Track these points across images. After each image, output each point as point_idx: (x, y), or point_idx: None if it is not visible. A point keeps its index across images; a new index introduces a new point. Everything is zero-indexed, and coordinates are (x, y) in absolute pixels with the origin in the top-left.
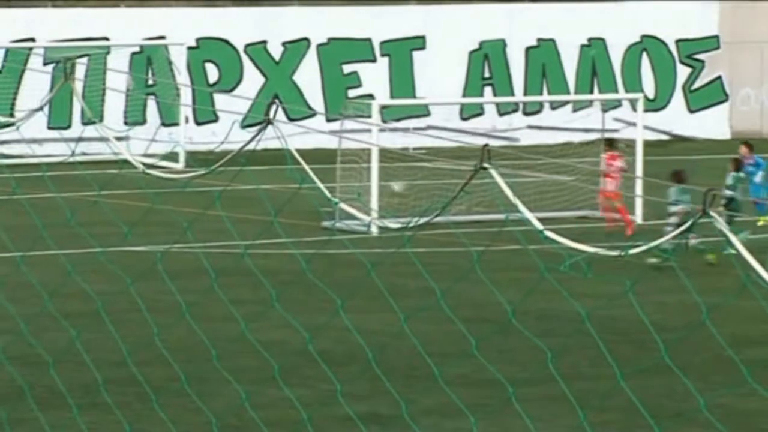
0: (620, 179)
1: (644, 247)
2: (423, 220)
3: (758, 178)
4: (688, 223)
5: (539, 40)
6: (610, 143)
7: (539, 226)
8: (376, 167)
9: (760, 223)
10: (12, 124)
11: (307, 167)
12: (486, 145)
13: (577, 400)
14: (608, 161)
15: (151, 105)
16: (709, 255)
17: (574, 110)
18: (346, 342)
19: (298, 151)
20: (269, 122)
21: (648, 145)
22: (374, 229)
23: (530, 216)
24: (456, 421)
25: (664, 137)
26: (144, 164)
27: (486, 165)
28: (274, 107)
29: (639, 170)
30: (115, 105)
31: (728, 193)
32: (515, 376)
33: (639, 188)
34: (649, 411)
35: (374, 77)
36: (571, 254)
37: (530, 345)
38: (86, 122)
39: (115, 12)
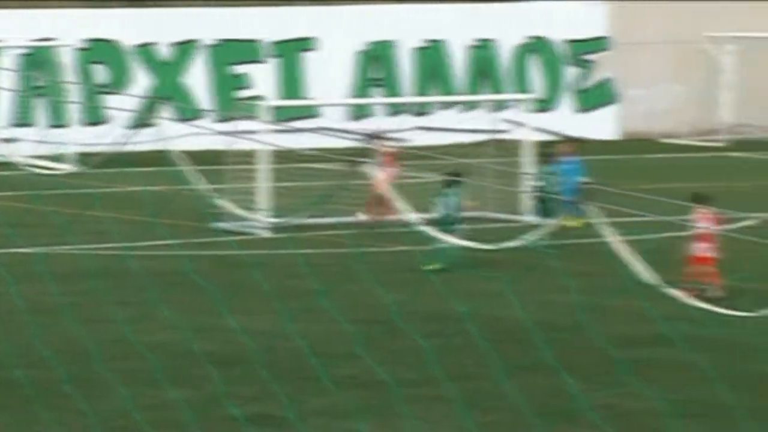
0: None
1: (517, 243)
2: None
3: (572, 178)
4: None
5: (428, 41)
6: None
7: (423, 225)
8: (265, 168)
9: (568, 225)
10: None
11: (189, 168)
12: (374, 138)
13: (464, 400)
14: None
15: (40, 106)
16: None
17: (464, 111)
18: (235, 343)
19: (188, 152)
20: (150, 123)
21: (538, 146)
22: (262, 230)
23: (413, 216)
24: (345, 422)
25: (554, 138)
26: (31, 166)
27: (363, 160)
28: (158, 108)
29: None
30: (2, 106)
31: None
32: (403, 377)
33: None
34: (535, 411)
35: (264, 78)
36: (444, 251)
37: (418, 345)
38: None
39: (2, 13)
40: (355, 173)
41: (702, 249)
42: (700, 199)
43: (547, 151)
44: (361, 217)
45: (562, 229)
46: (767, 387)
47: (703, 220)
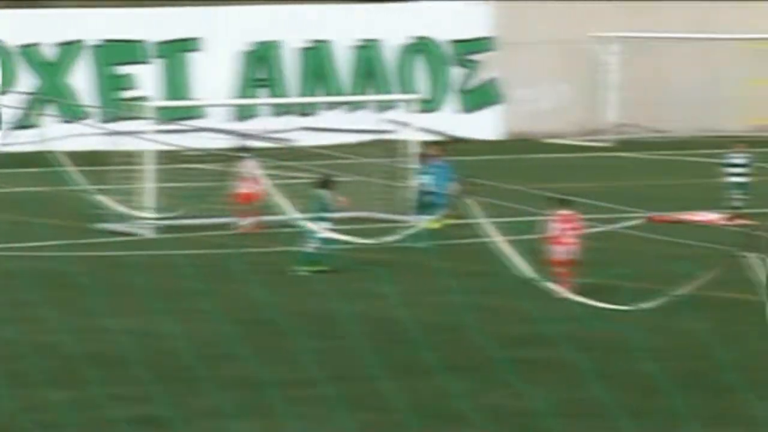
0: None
1: (395, 238)
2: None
3: (438, 179)
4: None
5: (313, 41)
6: None
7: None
8: (150, 168)
9: (435, 225)
10: None
11: (72, 169)
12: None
13: (352, 400)
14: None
15: None
16: None
17: (349, 111)
18: (117, 344)
19: (72, 153)
20: (33, 124)
21: (427, 146)
22: (147, 231)
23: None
24: (228, 422)
25: (439, 138)
26: None
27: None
28: (41, 108)
29: None
30: None
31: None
32: (286, 378)
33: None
34: (423, 412)
35: (148, 79)
36: (325, 252)
37: (308, 346)
38: None
39: None
40: (236, 173)
41: (559, 252)
42: (562, 201)
43: (422, 152)
44: (242, 219)
45: (430, 230)
46: (645, 385)
47: (562, 222)
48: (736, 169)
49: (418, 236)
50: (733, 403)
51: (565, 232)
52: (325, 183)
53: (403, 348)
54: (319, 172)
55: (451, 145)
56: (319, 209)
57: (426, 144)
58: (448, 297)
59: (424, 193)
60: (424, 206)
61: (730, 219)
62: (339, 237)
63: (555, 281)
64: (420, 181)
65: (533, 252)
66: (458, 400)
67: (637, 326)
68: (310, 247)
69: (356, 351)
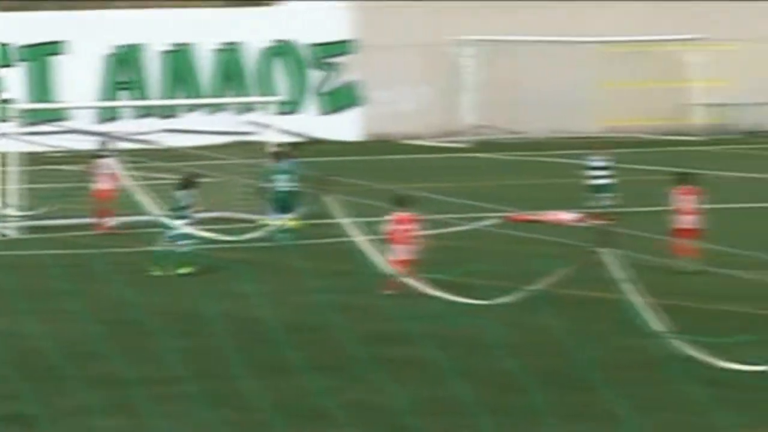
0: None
1: (256, 236)
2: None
3: (292, 179)
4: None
5: (175, 44)
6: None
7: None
8: (14, 170)
9: (292, 224)
10: None
11: None
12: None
13: (216, 398)
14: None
15: None
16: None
17: (210, 113)
18: None
19: None
20: None
21: (287, 147)
22: (12, 231)
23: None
24: (98, 419)
25: (298, 139)
26: None
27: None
28: None
29: None
30: None
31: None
32: (151, 376)
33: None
34: (286, 410)
35: (12, 82)
36: (187, 252)
37: (172, 345)
38: None
39: None
40: (95, 172)
41: (399, 251)
42: (400, 201)
43: (275, 152)
44: (103, 218)
45: (292, 229)
46: (504, 382)
47: (401, 222)
48: (597, 171)
49: (279, 235)
50: (589, 398)
51: (403, 232)
52: (187, 183)
53: (267, 347)
54: (181, 173)
55: (311, 146)
56: (180, 209)
57: (278, 144)
58: (311, 296)
59: (279, 192)
60: (281, 206)
61: (583, 219)
62: (204, 236)
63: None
64: (274, 181)
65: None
66: (321, 398)
67: (495, 323)
68: (178, 247)
69: (220, 350)
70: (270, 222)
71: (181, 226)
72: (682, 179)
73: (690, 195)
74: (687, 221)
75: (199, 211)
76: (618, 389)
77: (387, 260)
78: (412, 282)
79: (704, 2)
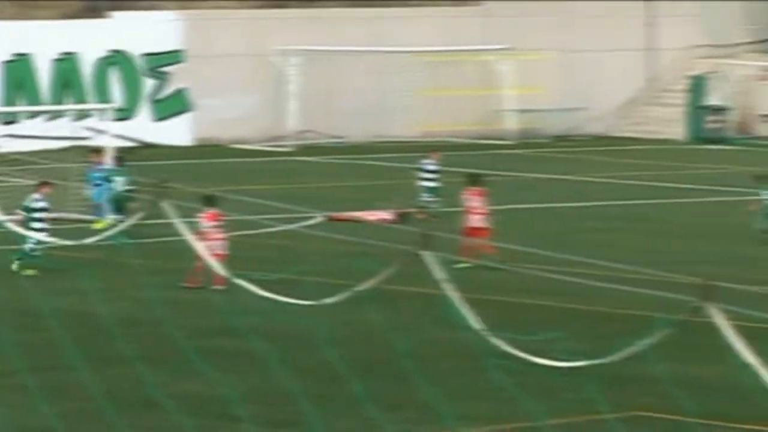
0: None
1: (94, 240)
2: None
3: (104, 183)
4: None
5: (15, 54)
6: None
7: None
8: None
9: (98, 226)
10: None
11: None
12: None
13: (53, 390)
14: None
15: None
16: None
17: (49, 120)
18: None
19: None
20: None
21: (121, 151)
22: None
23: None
24: None
25: (132, 144)
26: None
27: None
28: None
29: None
30: None
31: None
32: None
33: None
34: (120, 400)
35: None
36: (31, 252)
37: (10, 339)
38: None
39: None
40: None
41: (211, 247)
42: (208, 200)
43: (90, 158)
44: None
45: (95, 229)
46: (328, 373)
47: (208, 219)
48: (428, 174)
49: (116, 235)
50: (407, 388)
51: (211, 228)
52: (40, 185)
53: (102, 340)
54: (30, 177)
55: (144, 150)
56: (32, 211)
57: (114, 149)
58: (144, 292)
59: (116, 194)
60: (116, 207)
61: (399, 216)
62: (51, 241)
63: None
64: (111, 183)
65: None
66: (153, 389)
67: (320, 319)
68: (26, 247)
69: (57, 343)
70: (103, 223)
71: (34, 230)
72: (473, 181)
73: (479, 196)
74: (476, 220)
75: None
76: (433, 379)
77: (205, 257)
78: (221, 274)
79: (513, 15)
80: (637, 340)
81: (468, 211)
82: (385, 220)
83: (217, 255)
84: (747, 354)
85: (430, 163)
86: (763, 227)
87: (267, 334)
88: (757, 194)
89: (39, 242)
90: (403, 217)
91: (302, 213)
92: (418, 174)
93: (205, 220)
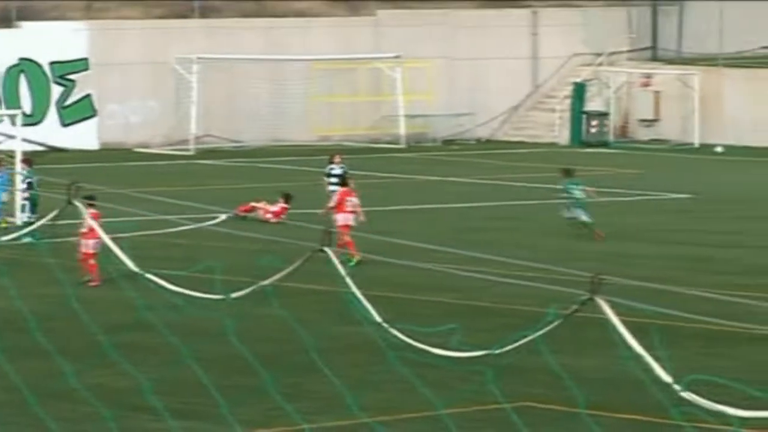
0: None
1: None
2: None
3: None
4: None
5: None
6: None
7: None
8: None
9: (2, 225)
10: None
11: None
12: None
13: None
14: None
15: None
16: None
17: None
18: None
19: None
20: None
21: (29, 154)
22: None
23: None
24: None
25: (41, 148)
26: None
27: None
28: None
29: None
30: None
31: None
32: None
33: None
34: (38, 390)
35: None
36: None
37: None
38: None
39: None
40: None
41: (88, 245)
42: (89, 198)
43: (28, 159)
44: None
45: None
46: (234, 365)
47: (90, 218)
48: (333, 178)
49: (29, 234)
50: (309, 379)
51: (90, 227)
52: None
53: (20, 334)
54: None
55: (53, 154)
56: None
57: (24, 153)
58: (59, 288)
59: (29, 195)
60: (31, 207)
61: (283, 210)
62: None
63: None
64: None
65: (132, 248)
66: (68, 380)
67: (227, 313)
68: None
69: None
70: (17, 222)
71: None
72: (341, 182)
73: (349, 196)
74: (346, 219)
75: None
76: (334, 371)
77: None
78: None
79: (403, 24)
80: (529, 333)
81: (338, 211)
82: (275, 214)
83: (89, 254)
84: (635, 345)
85: (335, 168)
86: (569, 217)
87: (176, 328)
88: (565, 188)
89: None
90: (288, 200)
91: (209, 212)
92: (325, 179)
93: (89, 218)
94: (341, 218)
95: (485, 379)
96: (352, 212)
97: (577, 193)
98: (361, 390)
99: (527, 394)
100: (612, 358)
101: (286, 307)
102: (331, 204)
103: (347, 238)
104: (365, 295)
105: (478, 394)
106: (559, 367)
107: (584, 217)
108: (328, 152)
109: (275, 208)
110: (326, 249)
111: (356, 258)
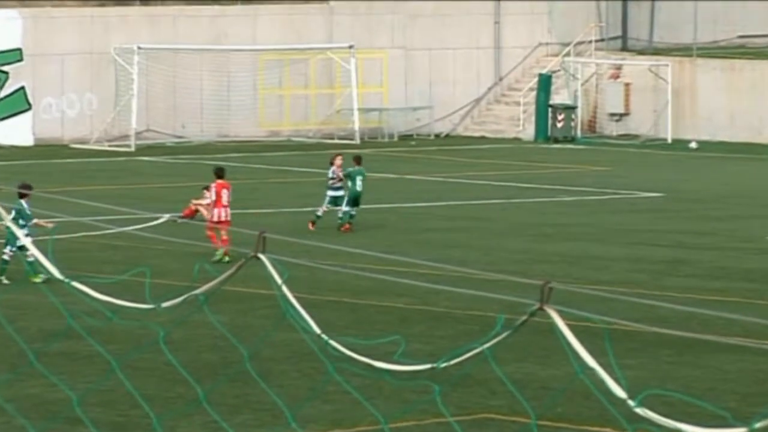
0: None
1: None
2: None
3: None
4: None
5: None
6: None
7: None
8: None
9: None
10: None
11: None
12: None
13: None
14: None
15: None
16: None
17: None
18: None
19: None
20: None
21: None
22: None
23: None
24: None
25: None
26: None
27: None
28: None
29: None
30: None
31: None
32: None
33: None
34: None
35: None
36: None
37: None
38: None
39: None
40: None
41: None
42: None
43: None
44: None
45: None
46: (174, 376)
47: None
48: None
49: None
50: (249, 391)
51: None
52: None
53: None
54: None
55: None
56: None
57: None
58: None
59: None
60: None
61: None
62: None
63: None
64: None
65: (70, 250)
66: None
67: (160, 321)
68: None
69: None
70: None
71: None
72: (218, 174)
73: (226, 189)
74: (219, 214)
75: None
76: (275, 381)
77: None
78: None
79: (357, 13)
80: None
81: (214, 205)
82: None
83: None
84: (588, 358)
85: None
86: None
87: (107, 336)
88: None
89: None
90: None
91: (149, 214)
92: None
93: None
94: (216, 213)
95: (434, 394)
96: (226, 206)
97: (359, 184)
98: (306, 402)
99: (482, 406)
100: (568, 368)
101: (226, 313)
102: (210, 200)
103: (210, 232)
104: (313, 301)
105: (430, 405)
106: (522, 376)
107: (347, 209)
108: (277, 147)
109: (206, 201)
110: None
111: (220, 252)
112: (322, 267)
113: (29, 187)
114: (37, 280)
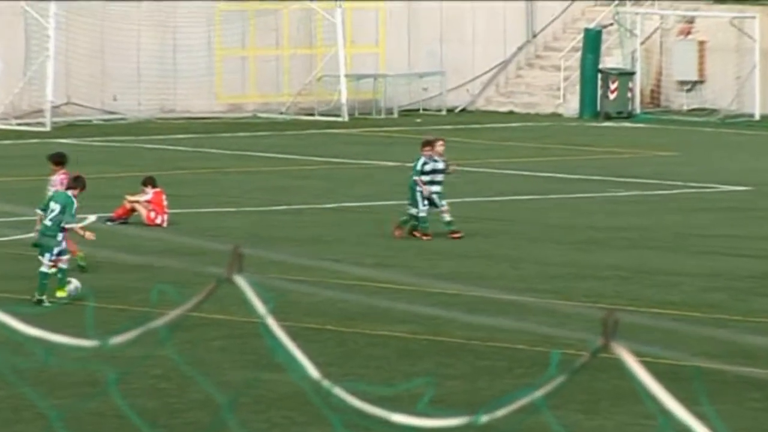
0: None
1: None
2: None
3: None
4: None
5: None
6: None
7: None
8: None
9: None
10: None
11: None
12: None
13: None
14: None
15: None
16: None
17: None
18: None
19: None
20: None
21: None
22: None
23: None
24: None
25: None
26: None
27: None
28: None
29: None
30: None
31: None
32: None
33: None
34: None
35: None
36: None
37: None
38: None
39: None
40: None
41: None
42: None
43: None
44: None
45: None
46: (107, 426)
47: None
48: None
49: None
50: None
51: None
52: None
53: None
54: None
55: None
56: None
57: None
58: None
59: None
60: None
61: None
62: None
63: None
64: None
65: None
66: None
67: (107, 360)
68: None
69: None
70: None
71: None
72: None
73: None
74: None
75: None
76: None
77: None
78: None
79: None
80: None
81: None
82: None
83: None
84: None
85: (436, 161)
86: None
87: (36, 377)
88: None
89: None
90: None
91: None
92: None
93: None
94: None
95: None
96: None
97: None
98: None
99: None
100: (634, 416)
101: (181, 345)
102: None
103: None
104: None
105: None
106: (561, 429)
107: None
108: (239, 126)
109: (145, 197)
110: (236, 277)
111: (80, 255)
112: (326, 293)
113: (82, 180)
114: (62, 294)
